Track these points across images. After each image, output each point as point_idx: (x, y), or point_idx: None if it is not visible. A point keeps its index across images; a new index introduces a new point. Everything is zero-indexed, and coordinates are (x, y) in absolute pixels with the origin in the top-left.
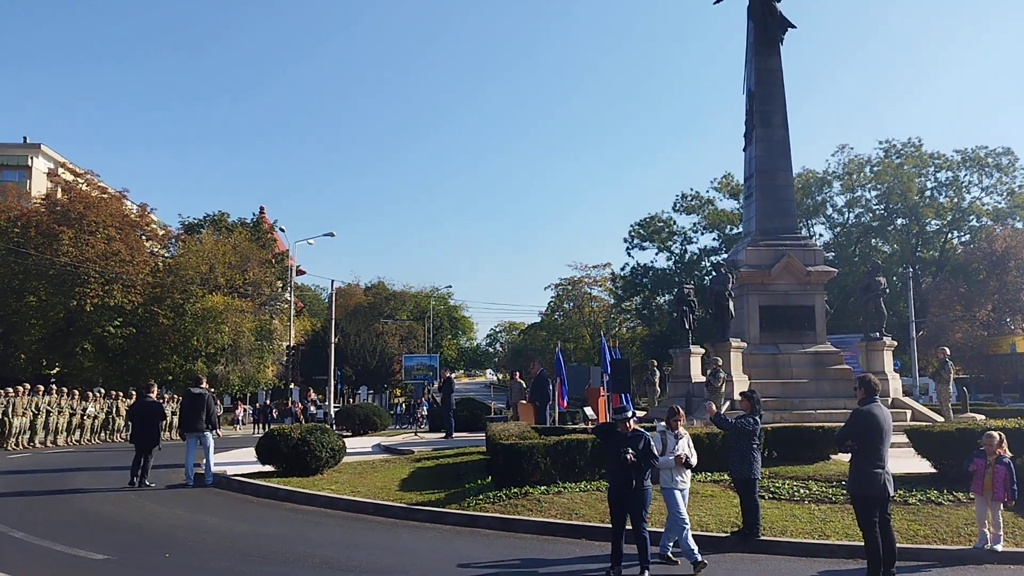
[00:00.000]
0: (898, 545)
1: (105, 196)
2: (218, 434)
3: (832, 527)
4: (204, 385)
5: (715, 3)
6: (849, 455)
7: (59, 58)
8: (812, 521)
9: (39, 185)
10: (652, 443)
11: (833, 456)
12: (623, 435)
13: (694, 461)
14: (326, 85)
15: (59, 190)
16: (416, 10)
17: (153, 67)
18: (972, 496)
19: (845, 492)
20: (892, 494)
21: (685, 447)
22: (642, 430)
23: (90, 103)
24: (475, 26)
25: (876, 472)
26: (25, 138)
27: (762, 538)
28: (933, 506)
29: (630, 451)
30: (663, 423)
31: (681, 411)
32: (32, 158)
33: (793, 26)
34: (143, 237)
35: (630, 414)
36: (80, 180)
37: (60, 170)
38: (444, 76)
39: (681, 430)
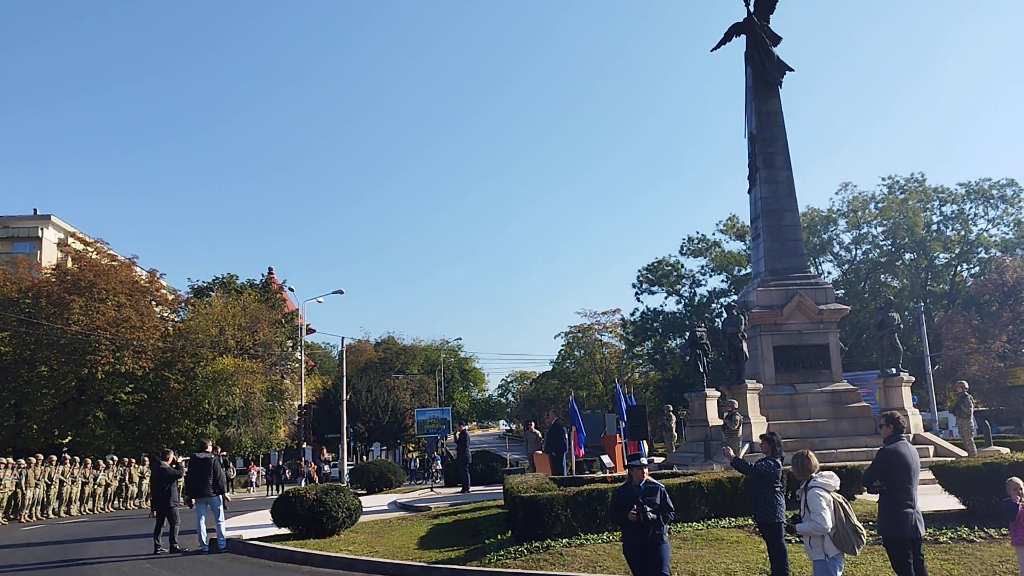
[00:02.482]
0: None
1: (115, 264)
2: (227, 499)
3: (863, 570)
4: (209, 449)
5: (712, 50)
6: (876, 495)
7: (67, 127)
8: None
9: (50, 255)
10: (667, 495)
11: (858, 496)
12: (636, 486)
13: (824, 525)
14: (331, 147)
15: (69, 259)
16: (420, 70)
17: (161, 132)
18: (1014, 548)
19: (874, 533)
20: (923, 534)
21: (819, 508)
22: (656, 482)
23: (99, 171)
24: (481, 79)
25: (907, 512)
26: (35, 210)
27: None
28: (965, 544)
29: (648, 508)
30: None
31: (812, 456)
32: (43, 229)
33: (791, 69)
34: (153, 302)
35: (644, 460)
36: (90, 249)
37: (70, 240)
38: (455, 135)
39: (816, 480)
